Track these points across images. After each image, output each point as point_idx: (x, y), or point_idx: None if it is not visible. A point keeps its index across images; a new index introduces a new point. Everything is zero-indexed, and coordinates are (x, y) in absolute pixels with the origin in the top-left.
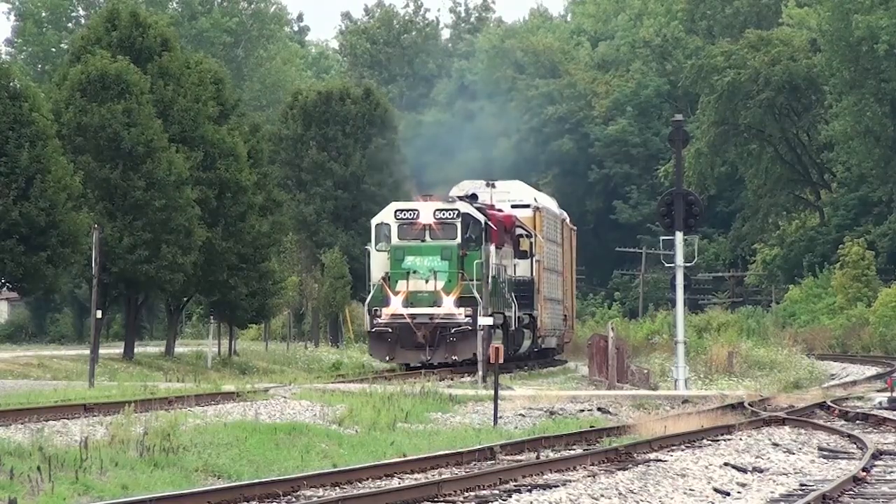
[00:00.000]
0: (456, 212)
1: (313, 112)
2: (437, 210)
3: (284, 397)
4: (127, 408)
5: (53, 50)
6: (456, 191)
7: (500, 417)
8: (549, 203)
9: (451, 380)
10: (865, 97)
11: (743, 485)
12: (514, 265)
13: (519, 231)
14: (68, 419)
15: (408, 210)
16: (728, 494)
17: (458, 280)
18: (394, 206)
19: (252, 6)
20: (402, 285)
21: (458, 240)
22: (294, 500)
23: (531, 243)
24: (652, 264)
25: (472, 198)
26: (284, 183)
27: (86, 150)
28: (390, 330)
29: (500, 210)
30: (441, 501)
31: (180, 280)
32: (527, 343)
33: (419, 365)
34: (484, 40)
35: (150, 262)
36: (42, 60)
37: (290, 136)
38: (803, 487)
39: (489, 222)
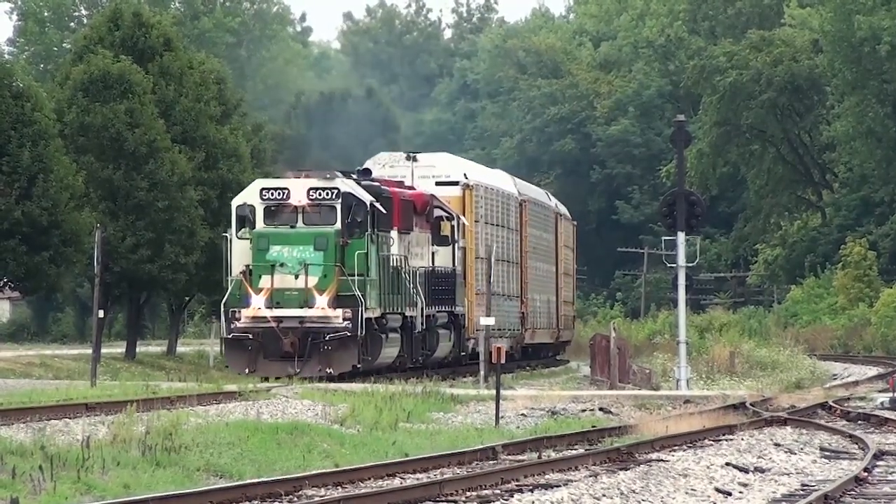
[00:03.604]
0: (335, 191)
1: (315, 112)
2: (312, 189)
3: (286, 397)
4: (129, 407)
5: (56, 49)
6: (370, 164)
7: (502, 417)
8: (498, 180)
9: (453, 379)
10: (867, 98)
11: (745, 485)
12: (433, 253)
13: (438, 213)
14: (70, 418)
15: (275, 188)
16: (730, 494)
17: (334, 275)
18: (259, 183)
19: (255, 6)
20: (265, 281)
21: (338, 225)
22: (296, 499)
23: (453, 227)
24: (654, 264)
25: (364, 173)
26: None
27: (88, 149)
28: (250, 336)
29: (410, 188)
30: (443, 501)
31: (182, 280)
32: (445, 347)
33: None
34: (486, 40)
35: (152, 262)
36: (44, 60)
37: (292, 137)
38: (805, 488)
39: (381, 203)
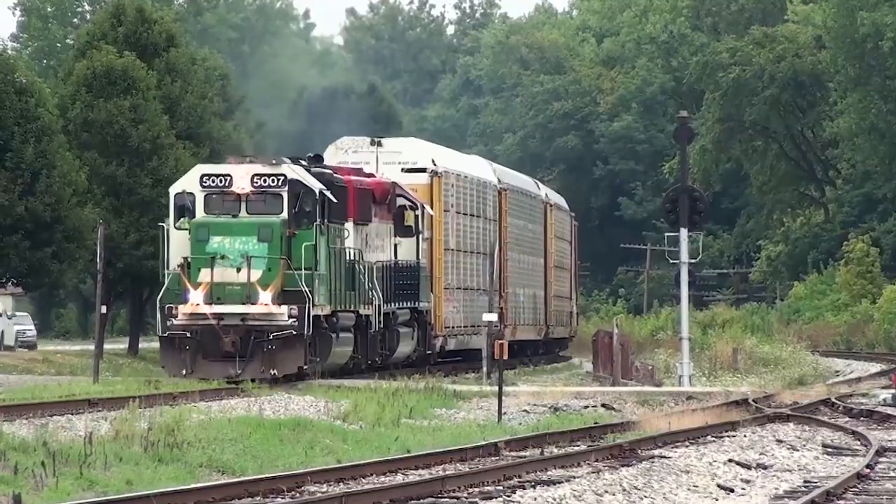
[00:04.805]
0: (281, 177)
1: (318, 108)
2: (256, 175)
3: (289, 393)
4: (131, 403)
5: (59, 45)
6: (332, 150)
7: (504, 413)
8: (473, 167)
9: (456, 376)
10: (870, 94)
11: (747, 481)
12: (395, 245)
13: (401, 202)
14: (73, 414)
15: (217, 175)
16: (732, 491)
17: (280, 269)
18: (199, 169)
19: (258, 2)
20: (204, 275)
21: (284, 215)
22: (298, 495)
23: (417, 217)
24: (657, 261)
25: (315, 159)
26: None
27: (91, 145)
28: (188, 334)
29: (370, 175)
30: (445, 497)
31: None
32: (407, 346)
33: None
34: (489, 36)
35: (155, 258)
36: (47, 56)
37: (294, 132)
38: (807, 484)
39: (333, 191)
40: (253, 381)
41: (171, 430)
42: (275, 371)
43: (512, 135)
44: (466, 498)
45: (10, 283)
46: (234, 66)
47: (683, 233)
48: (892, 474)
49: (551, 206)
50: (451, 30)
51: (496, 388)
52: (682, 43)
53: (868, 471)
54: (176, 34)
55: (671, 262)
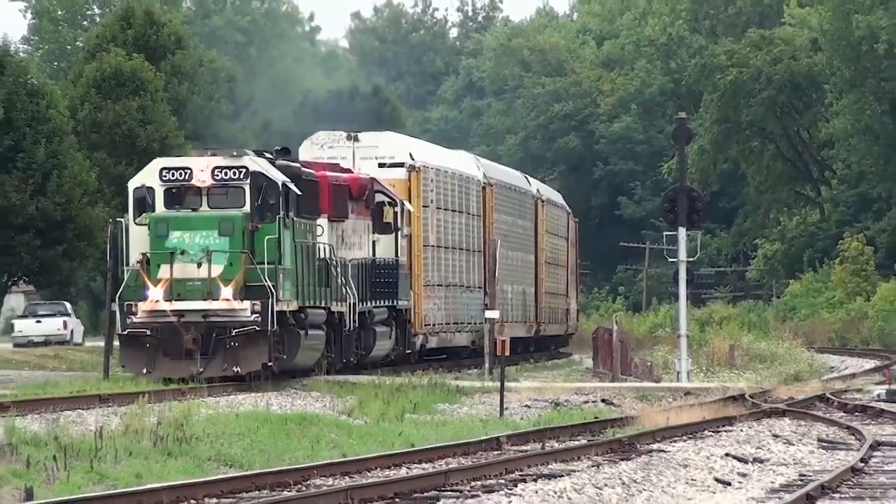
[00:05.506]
0: (242, 170)
1: (324, 109)
2: (217, 168)
3: (295, 389)
4: (141, 398)
5: (69, 48)
6: (308, 145)
7: (506, 409)
8: (455, 162)
9: (459, 371)
10: (865, 96)
11: (744, 475)
12: (373, 242)
13: (380, 198)
14: (83, 409)
15: (176, 168)
16: (729, 484)
17: (241, 263)
18: (158, 162)
19: (265, 5)
20: (164, 271)
21: (246, 208)
22: (304, 488)
23: (396, 213)
24: (655, 259)
25: (282, 153)
26: None
27: (101, 146)
28: (148, 332)
29: (348, 170)
30: (448, 490)
31: None
32: (385, 345)
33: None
34: (491, 39)
35: None
36: (58, 58)
37: (300, 133)
38: (803, 478)
39: (303, 186)
40: (212, 379)
41: (179, 424)
42: (238, 368)
43: (514, 136)
44: (469, 491)
45: (21, 281)
46: (241, 68)
47: (682, 232)
48: (886, 468)
49: (543, 201)
50: (453, 32)
51: (498, 383)
52: (681, 45)
53: (862, 464)
54: (184, 37)
55: (670, 260)
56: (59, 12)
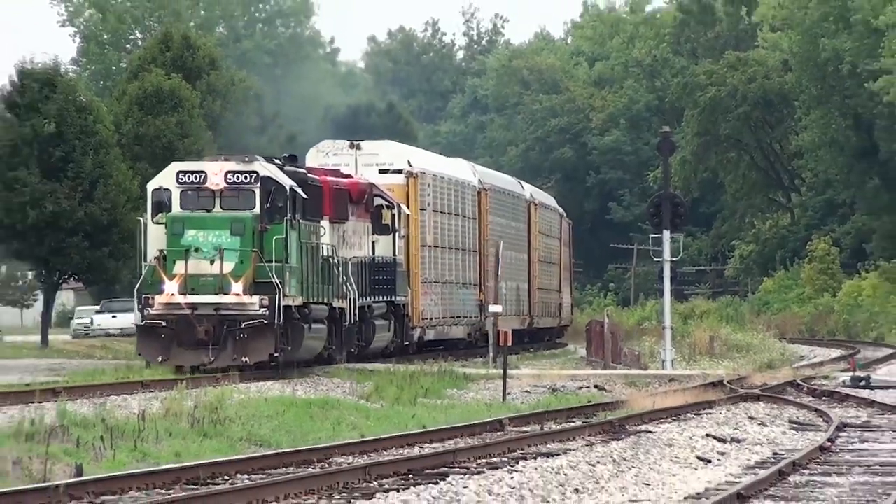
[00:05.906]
0: (253, 174)
1: (343, 123)
2: (230, 172)
3: (318, 375)
4: (179, 384)
5: (114, 68)
6: (314, 152)
7: (509, 394)
8: (451, 169)
9: (466, 360)
10: (831, 111)
11: (722, 453)
12: (373, 243)
13: (378, 201)
14: (128, 395)
15: (192, 172)
16: (709, 461)
17: (251, 261)
18: (175, 166)
19: (290, 30)
20: (179, 267)
21: (256, 210)
22: (327, 466)
23: (394, 216)
24: (642, 259)
25: (290, 159)
26: None
27: (143, 157)
28: (164, 323)
29: (348, 176)
30: (456, 467)
31: None
32: (384, 337)
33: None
34: (494, 60)
35: None
36: (104, 77)
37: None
38: (776, 456)
39: (308, 190)
40: (225, 369)
41: (214, 408)
42: (246, 358)
43: (515, 147)
44: (475, 468)
45: (71, 279)
46: (268, 87)
47: (666, 234)
48: (851, 447)
49: (536, 205)
50: (460, 55)
51: (501, 371)
52: (665, 66)
53: (829, 444)
54: (217, 58)
55: (655, 259)
56: (105, 36)
